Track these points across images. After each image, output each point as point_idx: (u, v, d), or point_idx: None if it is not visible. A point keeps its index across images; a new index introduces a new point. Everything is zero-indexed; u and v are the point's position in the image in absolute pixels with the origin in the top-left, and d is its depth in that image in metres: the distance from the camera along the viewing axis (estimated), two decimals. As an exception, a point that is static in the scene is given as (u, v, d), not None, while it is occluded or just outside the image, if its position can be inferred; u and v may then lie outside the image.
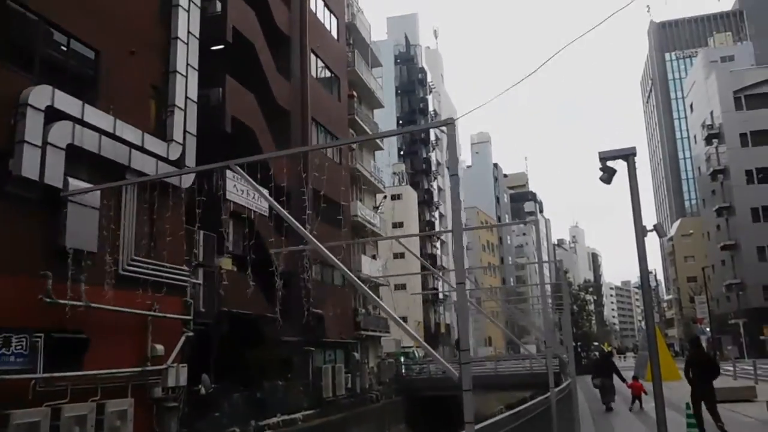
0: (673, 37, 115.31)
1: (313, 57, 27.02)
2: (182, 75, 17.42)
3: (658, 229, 8.07)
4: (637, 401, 17.53)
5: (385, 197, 35.72)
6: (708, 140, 57.28)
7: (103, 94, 14.71)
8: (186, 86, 17.52)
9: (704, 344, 48.38)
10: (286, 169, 23.55)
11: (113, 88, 15.03)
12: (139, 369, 14.32)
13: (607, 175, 7.21)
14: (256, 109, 22.10)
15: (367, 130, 32.70)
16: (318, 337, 23.70)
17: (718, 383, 11.34)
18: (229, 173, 20.04)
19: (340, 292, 26.57)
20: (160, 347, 15.05)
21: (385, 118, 50.67)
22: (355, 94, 31.60)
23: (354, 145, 30.76)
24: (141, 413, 14.10)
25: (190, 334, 16.42)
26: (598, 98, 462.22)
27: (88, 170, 13.98)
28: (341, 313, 25.77)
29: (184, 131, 17.20)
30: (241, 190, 20.58)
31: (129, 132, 14.94)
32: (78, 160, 13.49)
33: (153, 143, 15.98)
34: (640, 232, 7.69)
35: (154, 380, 14.86)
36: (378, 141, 35.06)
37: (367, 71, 34.51)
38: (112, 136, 14.56)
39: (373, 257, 31.19)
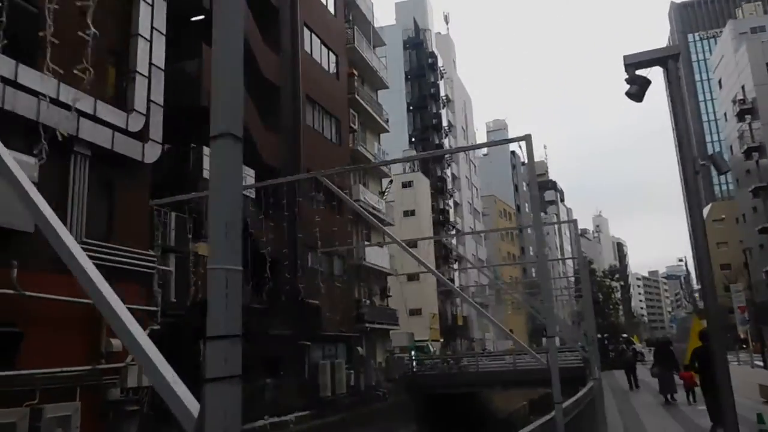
0: (696, 17, 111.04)
1: (307, 31, 25.03)
2: (145, 39, 15.51)
3: (717, 160, 5.82)
4: (691, 394, 16.11)
5: (391, 182, 33.59)
6: (740, 116, 53.80)
7: (47, 57, 12.89)
8: (150, 52, 15.61)
9: (743, 335, 45.34)
10: (274, 147, 21.61)
11: (59, 50, 13.18)
12: (88, 368, 12.42)
13: (637, 87, 5.13)
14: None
15: (370, 111, 30.62)
16: (315, 330, 21.70)
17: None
18: (206, 149, 18.15)
19: (341, 283, 24.52)
20: (117, 342, 13.12)
21: (395, 104, 48.61)
22: (355, 72, 29.53)
23: (356, 126, 28.69)
24: (90, 419, 12.19)
25: (156, 327, 14.53)
26: (620, 83, 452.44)
27: (25, 139, 12.18)
28: (342, 305, 23.72)
29: (148, 101, 15.28)
30: (221, 170, 18.64)
31: (77, 98, 13.08)
32: (10, 126, 11.67)
33: (109, 112, 14.06)
34: (691, 163, 5.44)
35: (109, 380, 12.97)
36: (384, 124, 32.94)
37: (369, 49, 32.43)
38: (58, 103, 12.73)
39: (380, 245, 29.07)
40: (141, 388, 13.78)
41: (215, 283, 1.64)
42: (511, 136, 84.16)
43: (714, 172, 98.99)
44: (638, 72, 5.21)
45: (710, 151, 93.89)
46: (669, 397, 16.77)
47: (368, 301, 27.11)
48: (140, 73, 15.13)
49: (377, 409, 23.38)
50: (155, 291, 14.87)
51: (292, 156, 22.59)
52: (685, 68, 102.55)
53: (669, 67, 5.03)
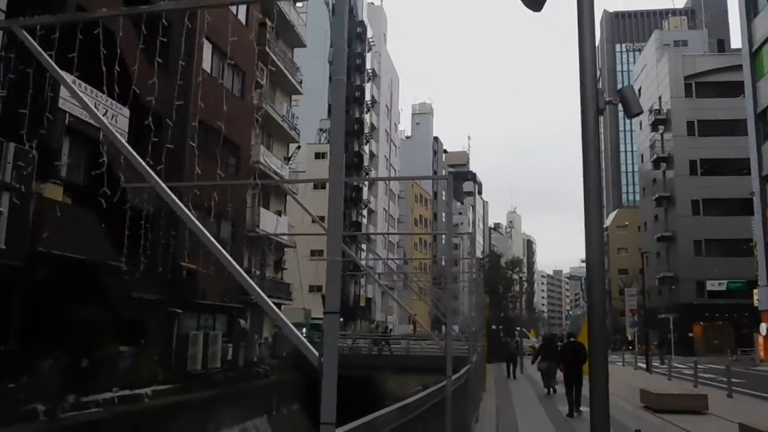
0: (625, 29, 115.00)
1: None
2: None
3: (628, 96, 4.18)
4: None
5: (298, 147, 31.53)
6: (654, 126, 55.45)
7: None
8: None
9: (631, 336, 47.03)
10: (158, 85, 19.00)
11: None
12: None
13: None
14: None
15: (282, 68, 28.36)
16: (188, 297, 19.52)
17: (660, 388, 13.46)
18: (69, 76, 15.44)
19: (226, 249, 22.34)
20: None
21: (316, 71, 46.31)
22: (269, 22, 27.11)
23: (263, 81, 26.37)
24: None
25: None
26: (544, 82, 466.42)
27: None
28: (226, 273, 21.49)
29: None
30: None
31: None
32: None
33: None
34: (593, 98, 3.81)
35: None
36: (296, 84, 30.76)
37: (288, 1, 30.03)
38: None
39: (279, 213, 27.06)
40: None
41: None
42: (435, 123, 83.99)
43: (624, 181, 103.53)
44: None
45: (623, 168, 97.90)
46: (551, 389, 17.34)
47: (258, 272, 25.09)
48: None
49: (255, 387, 21.54)
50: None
51: (184, 102, 20.09)
52: (609, 78, 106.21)
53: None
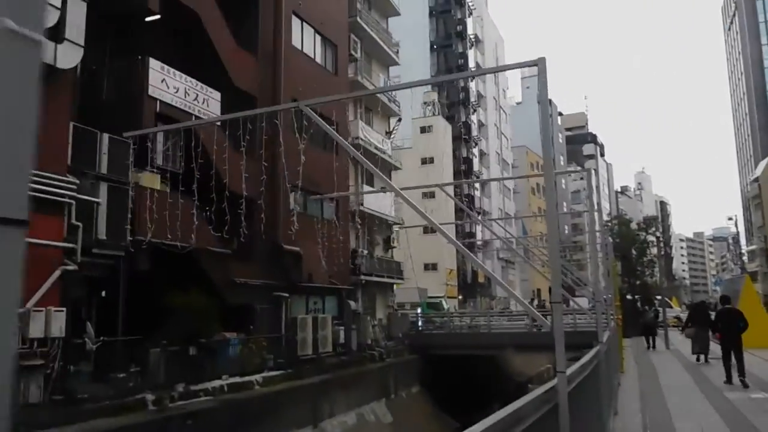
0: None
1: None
2: None
3: None
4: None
5: (399, 120, 30.23)
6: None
7: None
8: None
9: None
10: (249, 69, 18.56)
11: None
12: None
13: None
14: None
15: (375, 38, 27.11)
16: (295, 280, 19.05)
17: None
18: (154, 63, 15.28)
19: (332, 228, 21.68)
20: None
21: (415, 42, 44.64)
22: (357, -9, 25.97)
23: (357, 54, 25.32)
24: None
25: (71, 267, 12.04)
26: (672, 29, 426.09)
27: None
28: (332, 254, 20.88)
29: (63, -7, 12.45)
30: (175, 88, 15.76)
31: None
32: None
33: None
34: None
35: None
36: (393, 54, 29.41)
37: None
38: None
39: (383, 190, 26.04)
40: (49, 338, 11.44)
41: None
42: (550, 86, 78.24)
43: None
44: None
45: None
46: (701, 357, 16.48)
47: (366, 252, 24.28)
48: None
49: (369, 370, 20.78)
50: (72, 225, 12.34)
51: (274, 82, 19.54)
52: (747, 8, 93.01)
53: None
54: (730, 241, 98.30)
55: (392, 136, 29.24)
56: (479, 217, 43.41)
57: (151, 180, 14.90)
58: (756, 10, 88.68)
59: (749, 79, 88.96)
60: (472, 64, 49.48)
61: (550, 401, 3.70)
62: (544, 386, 3.90)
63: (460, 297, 41.53)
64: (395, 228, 28.26)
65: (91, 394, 11.72)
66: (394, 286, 28.23)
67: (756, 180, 69.33)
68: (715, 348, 15.39)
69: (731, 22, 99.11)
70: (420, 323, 27.05)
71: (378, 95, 27.70)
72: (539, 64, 3.82)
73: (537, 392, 3.62)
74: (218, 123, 16.90)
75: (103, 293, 14.05)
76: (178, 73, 16.03)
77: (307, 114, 4.70)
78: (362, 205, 23.94)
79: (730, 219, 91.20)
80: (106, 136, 13.59)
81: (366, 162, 5.00)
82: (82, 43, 12.79)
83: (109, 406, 11.58)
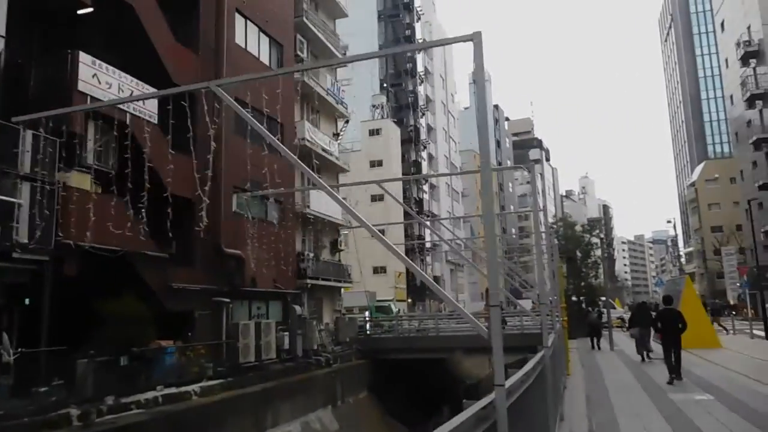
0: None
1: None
2: None
3: None
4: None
5: (346, 122, 29.90)
6: (744, 60, 49.52)
7: None
8: None
9: (735, 301, 42.38)
10: (189, 66, 17.86)
11: None
12: None
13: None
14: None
15: (323, 39, 26.71)
16: (237, 285, 18.41)
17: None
18: (84, 57, 14.43)
19: (275, 231, 21.12)
20: None
21: (365, 44, 44.42)
22: (303, -8, 25.52)
23: (304, 55, 24.85)
24: None
25: (-13, 275, 11.16)
26: (613, 39, 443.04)
27: None
28: (276, 258, 20.32)
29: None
30: (107, 84, 14.94)
31: None
32: None
33: None
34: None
35: None
36: (339, 55, 29.05)
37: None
38: None
39: (314, 187, 25.55)
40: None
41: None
42: (494, 90, 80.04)
43: (708, 132, 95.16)
44: None
45: (705, 109, 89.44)
46: (645, 355, 16.94)
47: (313, 255, 23.79)
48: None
49: (315, 376, 20.26)
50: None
51: (215, 78, 18.82)
52: (682, 21, 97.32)
53: None
54: (669, 243, 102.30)
55: (340, 138, 28.88)
56: (426, 220, 43.51)
57: (80, 180, 14.04)
58: (690, 23, 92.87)
59: (685, 89, 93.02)
60: (420, 68, 49.67)
61: (489, 418, 3.32)
62: (480, 401, 3.54)
63: (409, 300, 41.43)
64: (343, 231, 27.86)
65: (7, 410, 10.85)
66: (342, 289, 27.81)
67: (692, 184, 72.43)
68: (657, 347, 15.79)
69: (668, 34, 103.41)
70: (368, 327, 26.72)
71: (325, 97, 27.29)
72: (474, 38, 3.61)
73: (473, 409, 3.28)
74: (154, 120, 16.18)
75: (27, 301, 13.12)
76: (111, 68, 15.22)
77: (220, 96, 4.32)
78: (309, 207, 23.45)
79: (669, 222, 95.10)
80: (29, 133, 12.71)
81: (291, 155, 4.64)
82: (3, 34, 11.93)
83: (28, 423, 10.73)
